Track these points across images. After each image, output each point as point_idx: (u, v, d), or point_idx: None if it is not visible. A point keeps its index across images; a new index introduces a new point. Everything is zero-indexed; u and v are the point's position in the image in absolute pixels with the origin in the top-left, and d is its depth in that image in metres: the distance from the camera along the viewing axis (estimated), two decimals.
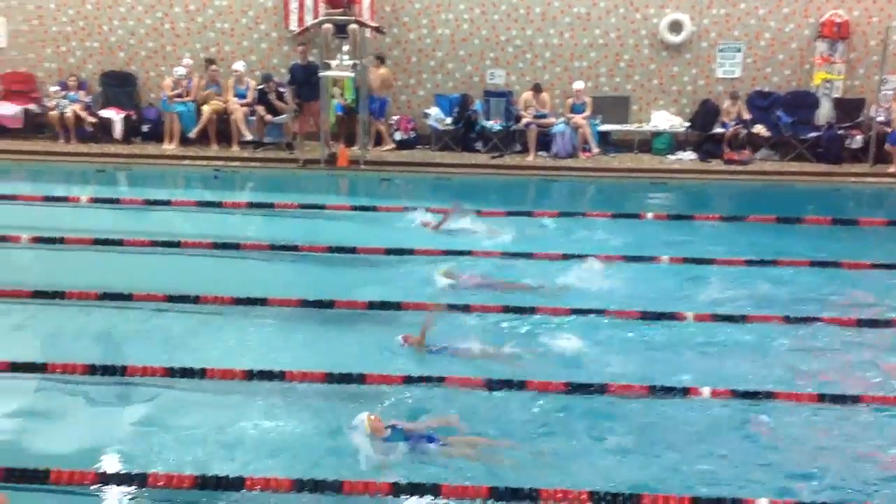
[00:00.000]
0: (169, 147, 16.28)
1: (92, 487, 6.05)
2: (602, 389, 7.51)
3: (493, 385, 7.54)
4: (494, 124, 16.55)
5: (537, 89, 16.38)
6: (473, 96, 16.73)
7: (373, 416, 6.58)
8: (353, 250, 11.02)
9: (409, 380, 7.60)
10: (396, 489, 6.01)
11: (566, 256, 10.84)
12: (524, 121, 16.25)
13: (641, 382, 7.61)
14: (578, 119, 16.25)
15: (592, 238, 11.83)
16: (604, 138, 16.77)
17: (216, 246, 11.13)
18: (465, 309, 9.10)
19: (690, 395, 7.45)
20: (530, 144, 16.25)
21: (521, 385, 7.55)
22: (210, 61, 16.54)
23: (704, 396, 7.44)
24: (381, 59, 16.33)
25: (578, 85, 16.34)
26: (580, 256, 10.69)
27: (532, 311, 9.11)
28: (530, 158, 16.19)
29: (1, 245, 11.07)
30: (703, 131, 16.66)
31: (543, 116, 16.28)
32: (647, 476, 6.32)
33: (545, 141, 16.38)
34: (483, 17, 16.72)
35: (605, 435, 6.90)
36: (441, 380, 7.55)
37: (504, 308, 9.14)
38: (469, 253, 10.87)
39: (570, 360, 8.18)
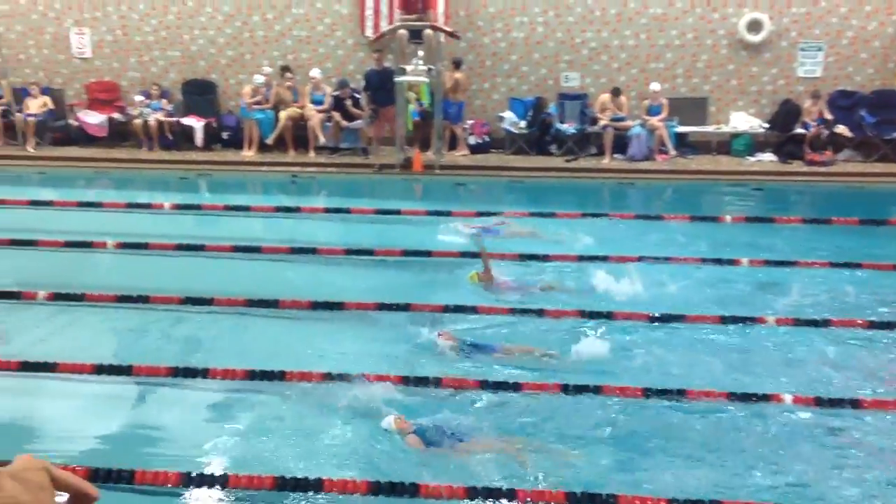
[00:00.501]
0: (248, 154, 16.57)
1: (175, 488, 6.18)
2: (680, 394, 7.42)
3: (568, 390, 7.50)
4: (569, 127, 16.47)
5: (616, 92, 16.26)
6: (548, 99, 16.67)
7: (399, 417, 6.76)
8: (427, 254, 11.08)
9: (484, 384, 7.63)
10: (472, 494, 6.02)
11: (642, 258, 10.77)
12: (601, 123, 16.13)
13: (720, 388, 7.51)
14: (655, 121, 16.09)
15: (670, 241, 11.70)
16: (681, 140, 16.57)
17: (294, 251, 11.28)
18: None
19: (771, 401, 7.32)
20: (606, 147, 16.14)
21: (597, 389, 7.50)
22: (286, 69, 16.78)
23: (786, 403, 7.29)
24: (457, 63, 16.38)
25: (655, 87, 16.18)
26: (657, 259, 10.66)
27: (608, 315, 9.05)
28: (606, 161, 16.08)
29: (87, 251, 11.38)
30: (784, 132, 16.34)
31: (621, 119, 16.16)
32: (726, 484, 6.22)
33: (621, 143, 16.24)
34: (558, 19, 16.66)
35: (682, 442, 6.82)
36: (517, 386, 7.55)
37: (580, 312, 9.11)
38: (545, 258, 10.85)
39: (645, 365, 8.11)
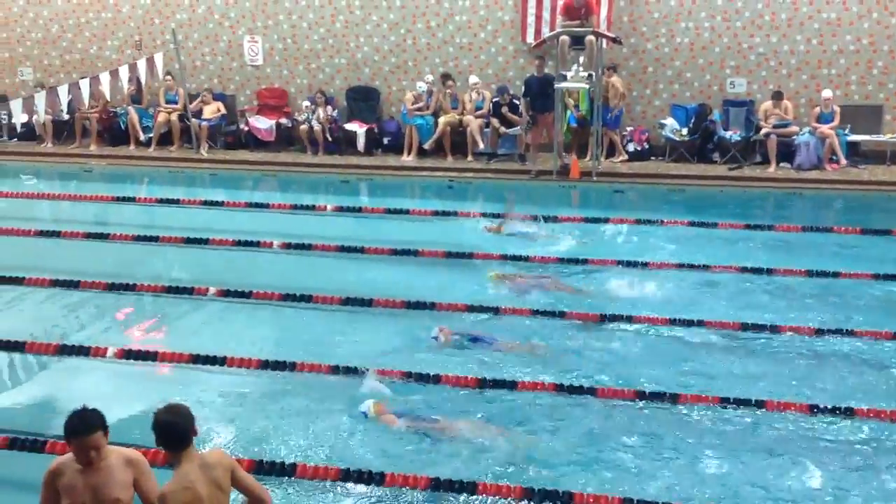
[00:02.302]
0: (407, 159, 16.85)
1: (333, 483, 6.36)
2: (841, 412, 7.14)
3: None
4: (733, 134, 16.00)
5: (777, 97, 15.67)
6: (712, 106, 16.25)
7: (378, 403, 7.22)
8: (584, 262, 11.00)
9: (641, 395, 7.54)
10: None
11: (809, 273, 10.40)
12: (763, 130, 15.60)
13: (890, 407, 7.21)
14: (825, 129, 15.42)
15: (840, 253, 11.26)
16: (853, 149, 15.84)
17: (450, 255, 11.39)
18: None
19: None
20: (771, 155, 15.58)
21: (757, 406, 7.30)
22: (447, 76, 16.97)
23: None
24: (612, 69, 16.17)
25: (826, 93, 15.51)
26: (825, 273, 10.32)
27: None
28: (771, 170, 15.52)
29: (254, 250, 11.84)
30: None
31: (785, 125, 15.56)
32: None
33: (788, 152, 15.66)
34: (725, 24, 16.21)
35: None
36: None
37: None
38: (707, 268, 10.62)
39: (809, 383, 7.86)
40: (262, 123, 17.72)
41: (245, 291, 10.02)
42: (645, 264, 10.82)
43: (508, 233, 12.27)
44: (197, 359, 8.32)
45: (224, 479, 4.76)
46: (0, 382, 8.26)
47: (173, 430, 4.70)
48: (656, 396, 7.52)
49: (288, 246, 11.85)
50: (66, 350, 8.55)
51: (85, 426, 4.64)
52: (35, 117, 16.34)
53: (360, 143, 17.23)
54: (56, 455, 6.27)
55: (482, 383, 7.80)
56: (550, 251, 11.38)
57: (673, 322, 9.04)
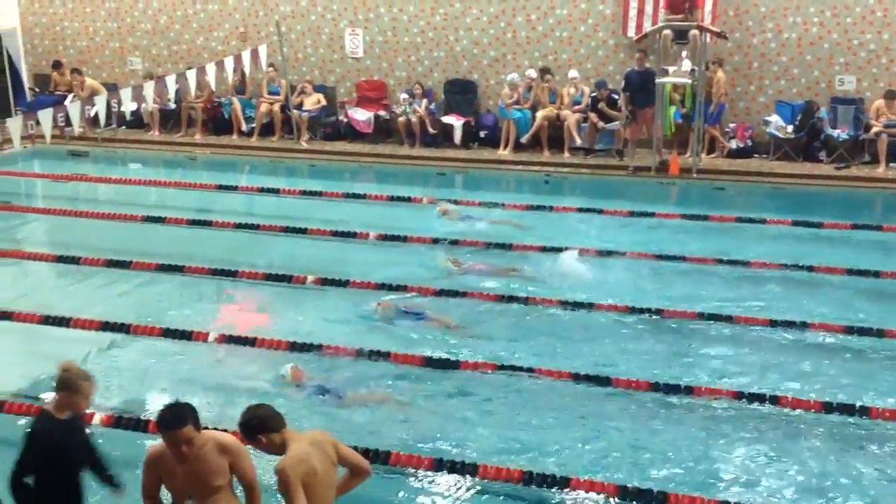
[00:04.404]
0: (503, 153, 16.82)
1: (423, 472, 6.42)
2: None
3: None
4: (841, 133, 15.51)
5: (891, 96, 15.13)
6: (819, 103, 15.79)
7: (296, 367, 7.76)
8: (682, 259, 10.84)
9: (739, 396, 7.41)
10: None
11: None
12: (874, 129, 15.09)
13: None
14: None
15: None
16: None
17: (545, 250, 11.32)
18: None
19: None
20: (881, 155, 15.06)
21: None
22: (546, 70, 16.87)
23: None
24: (718, 64, 15.83)
25: None
26: None
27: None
28: (880, 170, 15.02)
29: (351, 240, 11.98)
30: None
31: None
32: None
33: None
34: (835, 19, 15.72)
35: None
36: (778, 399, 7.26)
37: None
38: (811, 269, 10.36)
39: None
40: (361, 115, 17.89)
41: (342, 280, 10.15)
42: (746, 263, 10.62)
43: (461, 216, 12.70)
44: (294, 346, 8.45)
45: (332, 454, 4.97)
46: (106, 362, 8.51)
47: (273, 416, 4.90)
48: (755, 398, 7.38)
49: (384, 237, 11.95)
50: (169, 333, 8.77)
51: (175, 419, 4.71)
52: (143, 106, 16.87)
53: (457, 136, 17.27)
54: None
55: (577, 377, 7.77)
56: (646, 248, 11.25)
57: (774, 324, 8.84)
